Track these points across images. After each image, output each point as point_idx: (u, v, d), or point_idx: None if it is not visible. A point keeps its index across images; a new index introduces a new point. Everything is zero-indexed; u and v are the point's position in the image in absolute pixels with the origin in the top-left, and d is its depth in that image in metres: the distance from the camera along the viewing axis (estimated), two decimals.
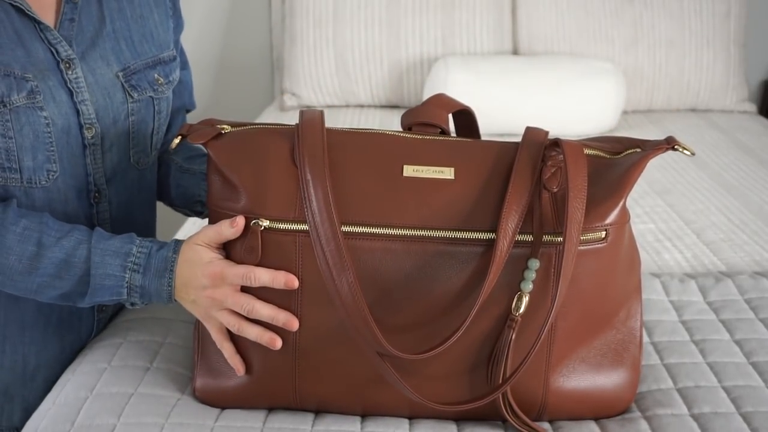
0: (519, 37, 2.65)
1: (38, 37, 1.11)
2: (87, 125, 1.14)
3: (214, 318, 1.02)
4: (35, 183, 1.11)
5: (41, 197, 1.12)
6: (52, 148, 1.11)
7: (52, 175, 1.12)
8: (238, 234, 0.99)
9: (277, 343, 1.00)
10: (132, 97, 1.19)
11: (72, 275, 1.06)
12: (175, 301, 1.06)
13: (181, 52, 1.33)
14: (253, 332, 1.00)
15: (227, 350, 1.03)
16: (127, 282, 1.05)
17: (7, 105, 1.07)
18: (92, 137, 1.14)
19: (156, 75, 1.22)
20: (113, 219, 1.20)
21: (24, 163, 1.09)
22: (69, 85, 1.12)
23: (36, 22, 1.11)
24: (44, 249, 1.05)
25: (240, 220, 0.99)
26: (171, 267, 1.04)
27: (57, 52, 1.12)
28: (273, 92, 3.01)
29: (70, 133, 1.12)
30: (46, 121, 1.10)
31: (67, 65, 1.12)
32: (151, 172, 1.28)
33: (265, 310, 0.99)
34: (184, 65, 1.35)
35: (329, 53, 2.62)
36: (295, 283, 0.98)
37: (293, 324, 0.99)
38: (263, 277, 0.98)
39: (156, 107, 1.23)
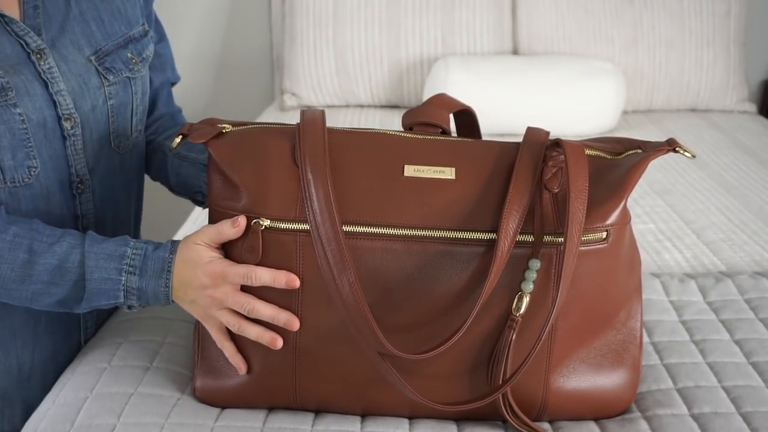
0: (519, 37, 2.65)
1: (4, 31, 1.08)
2: (65, 116, 1.12)
3: (214, 318, 1.02)
4: (18, 182, 1.09)
5: (26, 195, 1.11)
6: (30, 144, 1.09)
7: (34, 171, 1.10)
8: (239, 234, 0.99)
9: (278, 342, 0.99)
10: (108, 80, 1.17)
11: (66, 281, 1.04)
12: (173, 302, 1.05)
13: (157, 24, 1.30)
14: (253, 332, 1.00)
15: (228, 349, 1.03)
16: (123, 284, 1.04)
17: None
18: (71, 127, 1.12)
19: (129, 54, 1.20)
20: (96, 207, 1.19)
21: (4, 163, 1.08)
22: (43, 77, 1.10)
23: (0, 16, 1.08)
24: (36, 256, 1.04)
25: (241, 220, 0.99)
26: (168, 267, 1.03)
27: (26, 43, 1.09)
28: (273, 92, 3.01)
29: (47, 126, 1.10)
30: (21, 118, 1.08)
31: (39, 56, 1.10)
32: (131, 155, 1.25)
33: (266, 310, 0.99)
34: (162, 37, 1.32)
35: (329, 53, 2.62)
36: (297, 282, 0.97)
37: (294, 324, 0.98)
38: (264, 276, 0.98)
39: (133, 87, 1.20)
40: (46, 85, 1.10)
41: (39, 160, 1.10)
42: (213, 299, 1.00)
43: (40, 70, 1.10)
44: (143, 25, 1.24)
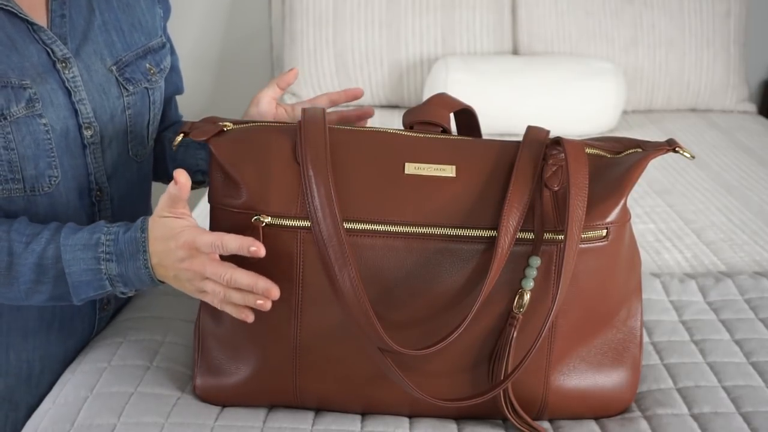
0: (519, 37, 2.65)
1: (32, 39, 1.09)
2: (86, 125, 1.13)
3: (201, 289, 0.99)
4: (38, 190, 1.10)
5: (44, 202, 1.11)
6: (52, 154, 1.10)
7: (54, 181, 1.11)
8: (184, 189, 0.97)
9: (249, 318, 0.96)
10: (127, 90, 1.18)
11: (49, 277, 1.03)
12: (161, 282, 1.02)
13: (168, 39, 1.31)
14: (237, 297, 0.96)
15: (232, 310, 0.98)
16: (105, 273, 1.02)
17: (8, 117, 1.05)
18: (91, 136, 1.14)
19: (147, 65, 1.21)
20: (115, 214, 1.20)
21: (26, 173, 1.08)
22: (67, 85, 1.11)
23: (29, 24, 1.09)
24: (16, 257, 1.03)
25: (178, 175, 0.96)
26: (143, 248, 1.00)
27: (52, 52, 1.10)
28: None
29: (69, 135, 1.11)
30: (46, 128, 1.08)
31: (64, 65, 1.11)
32: (148, 164, 1.27)
33: (245, 279, 0.95)
34: (172, 51, 1.34)
35: (329, 53, 2.62)
36: (262, 251, 0.94)
37: (273, 293, 0.95)
38: (231, 244, 0.95)
39: (151, 97, 1.22)
40: (69, 94, 1.11)
41: (60, 169, 1.11)
42: (192, 272, 0.97)
43: (65, 79, 1.11)
44: (161, 37, 1.25)
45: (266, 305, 0.96)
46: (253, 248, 0.93)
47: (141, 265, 1.00)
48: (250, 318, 0.98)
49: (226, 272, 0.96)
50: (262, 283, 0.95)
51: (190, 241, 0.96)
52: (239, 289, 0.96)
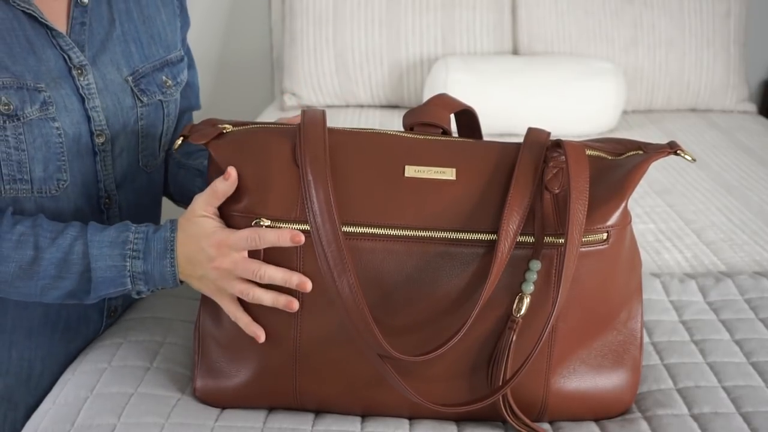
0: (519, 37, 2.65)
1: (50, 44, 1.10)
2: (97, 132, 1.13)
3: (225, 290, 1.00)
4: (45, 193, 1.10)
5: (51, 206, 1.11)
6: (63, 158, 1.10)
7: (63, 184, 1.11)
8: (233, 186, 0.98)
9: (294, 305, 0.97)
10: (141, 101, 1.18)
11: (73, 273, 1.04)
12: (181, 282, 1.04)
13: (188, 52, 1.32)
14: (267, 297, 0.98)
15: (243, 320, 1.00)
16: (129, 270, 1.03)
17: (21, 118, 1.06)
18: (102, 143, 1.14)
19: (164, 77, 1.21)
20: None
21: (35, 174, 1.09)
22: (81, 92, 1.11)
23: (48, 29, 1.10)
24: (41, 251, 1.04)
25: (232, 171, 0.97)
26: (171, 247, 1.02)
27: (69, 58, 1.11)
28: (273, 92, 3.01)
29: (81, 141, 1.12)
30: (58, 132, 1.09)
31: (79, 71, 1.11)
32: (158, 174, 1.27)
33: (278, 273, 0.97)
34: (191, 65, 1.34)
35: (329, 53, 2.62)
36: (301, 237, 0.95)
37: (307, 285, 0.96)
38: (269, 236, 0.96)
39: (165, 110, 1.22)
40: (82, 100, 1.12)
41: (69, 173, 1.11)
42: (222, 270, 0.98)
43: (79, 86, 1.11)
44: (180, 50, 1.26)
45: (295, 306, 0.97)
46: (290, 236, 0.95)
47: (168, 263, 1.02)
48: (261, 338, 0.99)
49: (258, 268, 0.97)
50: (296, 277, 0.96)
51: (222, 239, 0.98)
52: (269, 290, 0.97)
